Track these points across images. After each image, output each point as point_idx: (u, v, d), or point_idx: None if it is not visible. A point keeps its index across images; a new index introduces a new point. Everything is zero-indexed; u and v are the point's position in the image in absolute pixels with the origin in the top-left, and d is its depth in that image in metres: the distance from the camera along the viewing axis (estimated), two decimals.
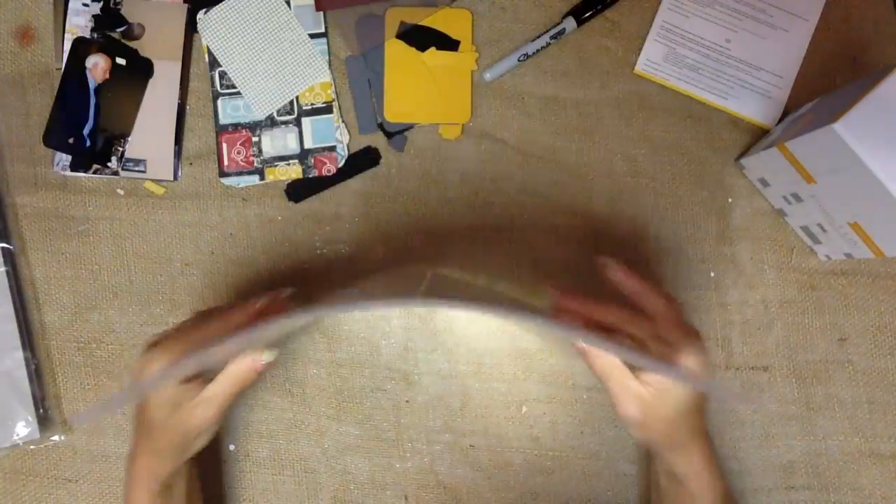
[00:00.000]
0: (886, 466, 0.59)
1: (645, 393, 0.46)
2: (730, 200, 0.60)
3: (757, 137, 0.60)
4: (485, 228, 0.60)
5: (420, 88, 0.60)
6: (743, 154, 0.60)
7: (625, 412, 0.46)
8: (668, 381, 0.45)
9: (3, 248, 0.58)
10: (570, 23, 0.59)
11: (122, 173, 0.58)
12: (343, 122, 0.59)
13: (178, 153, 0.59)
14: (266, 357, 0.46)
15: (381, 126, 0.60)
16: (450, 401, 0.58)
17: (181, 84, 0.58)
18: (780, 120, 0.60)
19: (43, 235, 0.59)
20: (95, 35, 0.58)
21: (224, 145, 0.59)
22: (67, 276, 0.59)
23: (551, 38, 0.59)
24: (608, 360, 0.47)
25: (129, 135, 0.58)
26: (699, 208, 0.60)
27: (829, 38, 0.61)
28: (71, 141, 0.57)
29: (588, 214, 0.60)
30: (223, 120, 0.59)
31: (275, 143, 0.59)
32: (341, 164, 0.59)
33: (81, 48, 0.57)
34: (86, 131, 0.57)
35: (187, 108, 0.59)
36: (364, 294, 0.48)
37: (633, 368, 0.46)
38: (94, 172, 0.58)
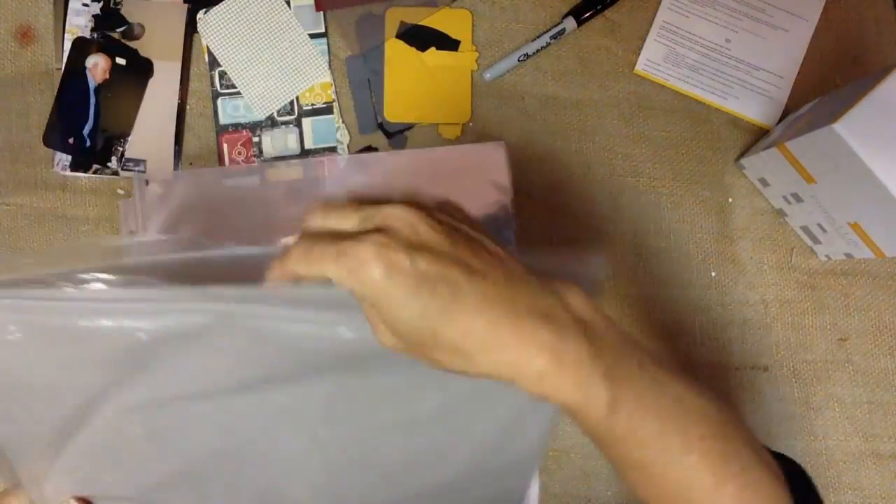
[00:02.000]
0: (886, 466, 0.59)
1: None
2: (730, 200, 0.60)
3: (757, 137, 0.60)
4: None
5: (420, 88, 0.60)
6: (743, 154, 0.60)
7: (381, 338, 0.33)
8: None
9: None
10: (570, 23, 0.59)
11: (122, 173, 0.58)
12: (343, 122, 0.59)
13: (178, 153, 0.59)
14: None
15: (381, 126, 0.60)
16: None
17: (181, 84, 0.58)
18: (780, 120, 0.60)
19: (43, 235, 0.59)
20: (95, 35, 0.58)
21: (225, 146, 0.59)
22: None
23: (551, 38, 0.59)
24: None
25: (129, 135, 0.58)
26: (699, 208, 0.60)
27: (829, 38, 0.61)
28: (71, 141, 0.57)
29: (588, 214, 0.60)
30: (223, 120, 0.59)
31: (275, 143, 0.59)
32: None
33: (81, 48, 0.57)
34: (86, 131, 0.57)
35: (187, 108, 0.59)
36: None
37: None
38: (94, 172, 0.58)
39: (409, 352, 0.33)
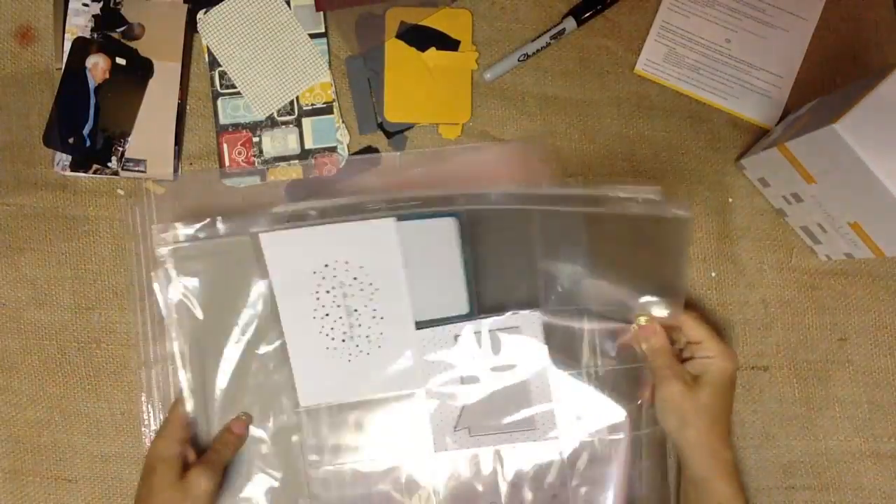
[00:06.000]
0: (886, 466, 0.59)
1: (687, 376, 0.52)
2: (730, 200, 0.60)
3: (757, 137, 0.61)
4: None
5: (420, 88, 0.60)
6: (743, 154, 0.60)
7: (666, 391, 0.51)
8: (708, 366, 0.51)
9: None
10: (570, 23, 0.60)
11: (122, 173, 0.58)
12: (343, 122, 0.59)
13: (178, 153, 0.59)
14: (246, 417, 0.53)
15: (381, 126, 0.60)
16: None
17: (181, 84, 0.58)
18: (780, 120, 0.60)
19: (43, 235, 0.59)
20: (95, 35, 0.58)
21: (225, 146, 0.59)
22: (67, 276, 0.59)
23: (551, 38, 0.59)
24: (661, 341, 0.53)
25: (129, 135, 0.58)
26: (699, 208, 0.60)
27: (829, 38, 0.61)
28: (71, 141, 0.57)
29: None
30: (223, 120, 0.59)
31: (275, 143, 0.59)
32: (342, 165, 0.59)
33: (81, 48, 0.57)
34: (86, 131, 0.57)
35: (187, 108, 0.59)
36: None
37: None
38: (94, 172, 0.58)
39: (680, 407, 0.51)
